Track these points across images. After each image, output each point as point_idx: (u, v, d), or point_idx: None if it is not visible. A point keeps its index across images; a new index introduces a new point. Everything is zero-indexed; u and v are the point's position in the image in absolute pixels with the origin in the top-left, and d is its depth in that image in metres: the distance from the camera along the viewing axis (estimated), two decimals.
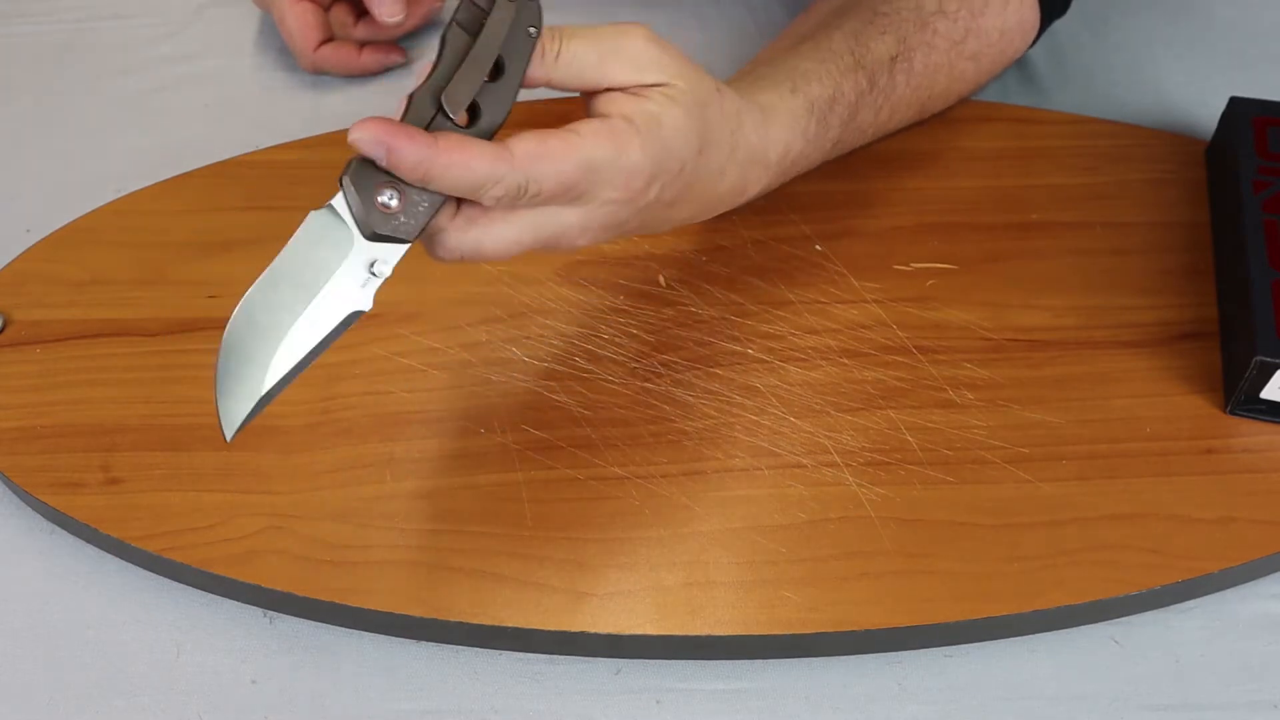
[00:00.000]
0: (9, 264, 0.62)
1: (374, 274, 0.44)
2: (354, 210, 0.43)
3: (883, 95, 0.59)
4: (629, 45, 0.46)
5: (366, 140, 0.42)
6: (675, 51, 0.48)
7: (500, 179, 0.43)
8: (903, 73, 0.60)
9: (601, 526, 0.52)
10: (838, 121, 0.57)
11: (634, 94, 0.46)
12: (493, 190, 0.43)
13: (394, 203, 0.43)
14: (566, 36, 0.45)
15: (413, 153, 0.42)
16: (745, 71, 0.59)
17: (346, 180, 0.43)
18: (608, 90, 0.46)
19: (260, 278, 0.44)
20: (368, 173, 0.43)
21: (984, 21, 0.63)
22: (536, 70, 0.45)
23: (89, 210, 0.65)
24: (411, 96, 0.43)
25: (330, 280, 0.44)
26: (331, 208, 0.44)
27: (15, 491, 0.55)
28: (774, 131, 0.53)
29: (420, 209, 0.43)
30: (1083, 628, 0.52)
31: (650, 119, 0.46)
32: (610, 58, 0.46)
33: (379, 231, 0.43)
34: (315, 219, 0.44)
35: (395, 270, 0.62)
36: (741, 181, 0.52)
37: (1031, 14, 0.65)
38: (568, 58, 0.45)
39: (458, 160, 0.42)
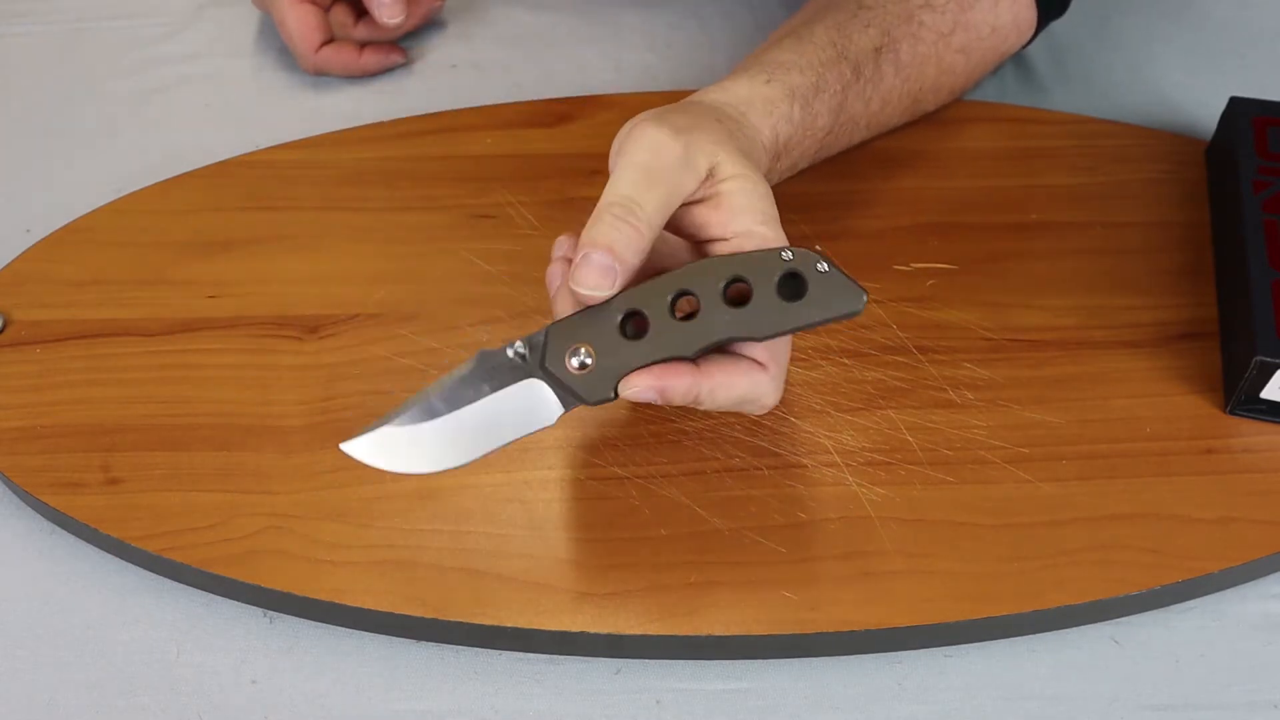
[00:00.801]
0: (9, 264, 0.62)
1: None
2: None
3: (870, 86, 0.59)
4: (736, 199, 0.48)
5: (639, 391, 0.45)
6: (683, 140, 0.48)
7: (766, 390, 0.46)
8: (889, 63, 0.60)
9: (601, 526, 0.52)
10: (825, 110, 0.57)
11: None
12: (765, 401, 0.46)
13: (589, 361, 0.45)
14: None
15: (682, 385, 0.45)
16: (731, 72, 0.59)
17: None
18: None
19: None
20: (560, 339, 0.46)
21: (973, 16, 0.63)
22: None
23: (89, 210, 0.65)
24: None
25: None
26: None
27: (16, 492, 0.55)
28: (754, 119, 0.53)
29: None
30: (1082, 628, 0.52)
31: (764, 215, 0.47)
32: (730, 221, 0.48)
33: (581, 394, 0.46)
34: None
35: (396, 270, 0.62)
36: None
37: (1027, 12, 0.65)
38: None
39: (721, 382, 0.45)
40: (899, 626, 0.49)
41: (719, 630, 0.49)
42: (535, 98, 0.71)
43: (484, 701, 0.50)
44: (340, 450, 0.48)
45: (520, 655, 0.51)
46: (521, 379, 0.46)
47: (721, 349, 0.47)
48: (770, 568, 0.51)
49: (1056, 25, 0.70)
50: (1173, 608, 0.52)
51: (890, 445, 0.54)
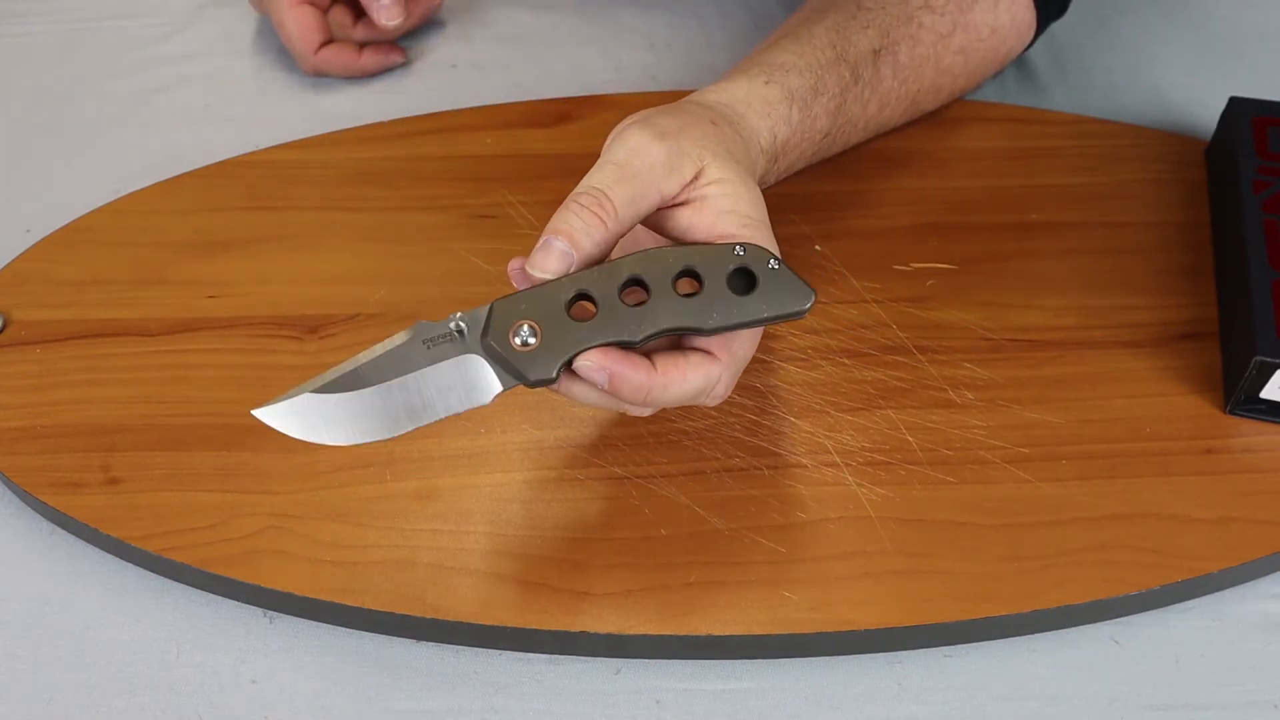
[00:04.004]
0: (9, 264, 0.62)
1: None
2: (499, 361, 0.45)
3: (869, 88, 0.59)
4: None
5: (590, 368, 0.43)
6: (681, 136, 0.48)
7: (717, 379, 0.46)
8: (888, 65, 0.60)
9: (601, 526, 0.52)
10: (824, 112, 0.57)
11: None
12: (716, 391, 0.46)
13: (532, 340, 0.44)
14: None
15: (635, 379, 0.44)
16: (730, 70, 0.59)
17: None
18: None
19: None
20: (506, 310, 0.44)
21: (972, 17, 0.63)
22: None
23: (89, 210, 0.65)
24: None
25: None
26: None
27: (15, 491, 0.55)
28: (752, 121, 0.53)
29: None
30: (1082, 628, 0.52)
31: (748, 219, 0.47)
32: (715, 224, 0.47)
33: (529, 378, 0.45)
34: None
35: (396, 270, 0.62)
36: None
37: (1026, 14, 0.65)
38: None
39: (674, 378, 0.44)
40: (899, 626, 0.49)
41: (719, 630, 0.49)
42: (535, 98, 0.71)
43: (484, 701, 0.50)
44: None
45: (520, 655, 0.51)
46: (459, 354, 0.45)
47: (671, 346, 0.47)
48: (770, 568, 0.51)
49: (1056, 26, 0.70)
50: (1173, 608, 0.52)
51: (890, 445, 0.54)
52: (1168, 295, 0.60)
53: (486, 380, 0.45)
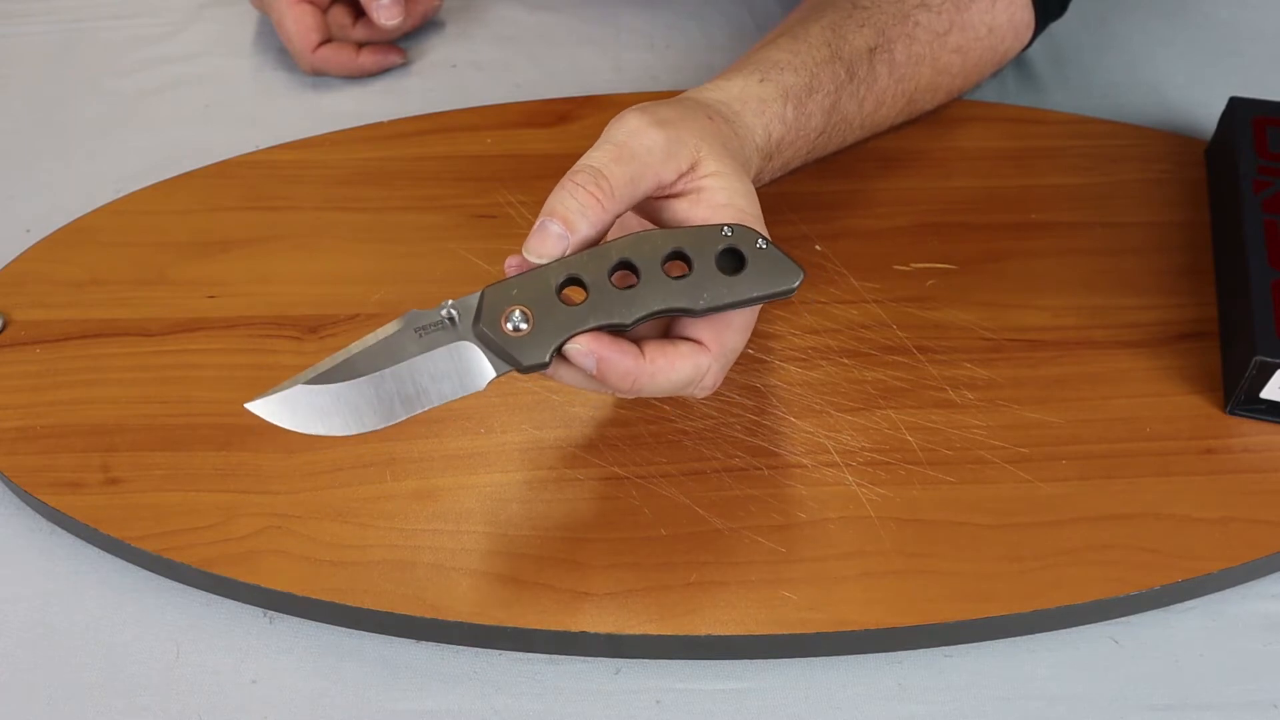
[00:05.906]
0: (9, 264, 0.62)
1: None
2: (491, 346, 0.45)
3: (864, 86, 0.59)
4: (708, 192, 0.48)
5: (579, 352, 0.44)
6: (680, 130, 0.48)
7: (706, 369, 0.45)
8: (884, 64, 0.60)
9: (601, 526, 0.52)
10: (819, 110, 0.57)
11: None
12: (705, 382, 0.46)
13: (524, 325, 0.44)
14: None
15: (622, 365, 0.44)
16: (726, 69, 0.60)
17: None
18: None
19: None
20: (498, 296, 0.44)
21: (970, 16, 0.63)
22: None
23: (89, 210, 0.65)
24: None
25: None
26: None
27: (15, 491, 0.55)
28: (747, 119, 0.53)
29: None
30: (1082, 628, 0.52)
31: (743, 213, 0.47)
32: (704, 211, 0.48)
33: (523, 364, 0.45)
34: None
35: (396, 270, 0.62)
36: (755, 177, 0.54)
37: (1024, 14, 0.65)
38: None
39: (663, 366, 0.45)
40: (899, 626, 0.49)
41: (719, 630, 0.49)
42: (535, 98, 0.71)
43: (484, 701, 0.50)
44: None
45: (520, 655, 0.51)
46: (452, 341, 0.45)
47: (662, 334, 0.47)
48: (770, 568, 0.51)
49: (1056, 26, 0.70)
50: (1173, 608, 0.52)
51: (890, 445, 0.54)
52: (1168, 295, 0.60)
53: (480, 367, 0.45)
